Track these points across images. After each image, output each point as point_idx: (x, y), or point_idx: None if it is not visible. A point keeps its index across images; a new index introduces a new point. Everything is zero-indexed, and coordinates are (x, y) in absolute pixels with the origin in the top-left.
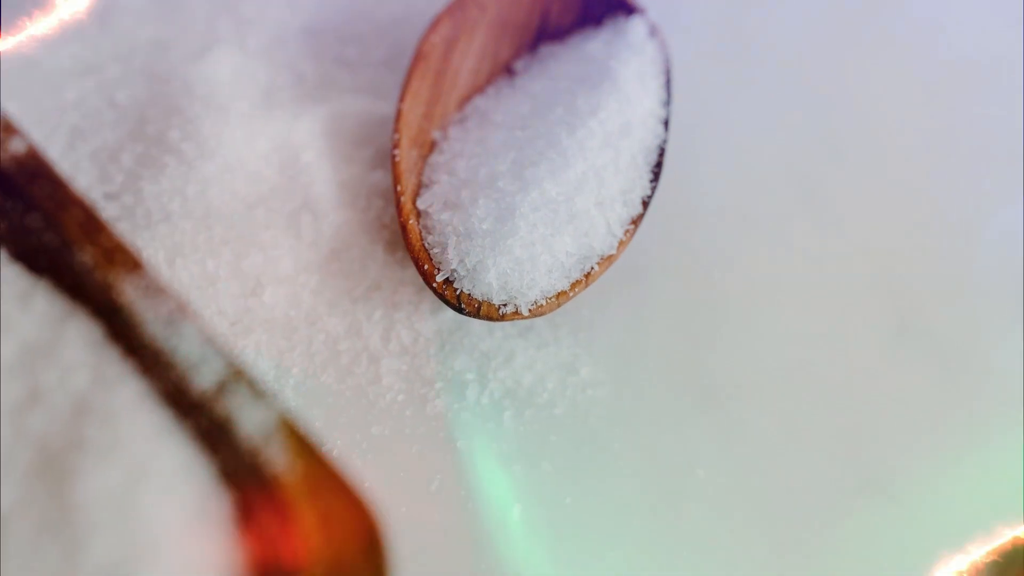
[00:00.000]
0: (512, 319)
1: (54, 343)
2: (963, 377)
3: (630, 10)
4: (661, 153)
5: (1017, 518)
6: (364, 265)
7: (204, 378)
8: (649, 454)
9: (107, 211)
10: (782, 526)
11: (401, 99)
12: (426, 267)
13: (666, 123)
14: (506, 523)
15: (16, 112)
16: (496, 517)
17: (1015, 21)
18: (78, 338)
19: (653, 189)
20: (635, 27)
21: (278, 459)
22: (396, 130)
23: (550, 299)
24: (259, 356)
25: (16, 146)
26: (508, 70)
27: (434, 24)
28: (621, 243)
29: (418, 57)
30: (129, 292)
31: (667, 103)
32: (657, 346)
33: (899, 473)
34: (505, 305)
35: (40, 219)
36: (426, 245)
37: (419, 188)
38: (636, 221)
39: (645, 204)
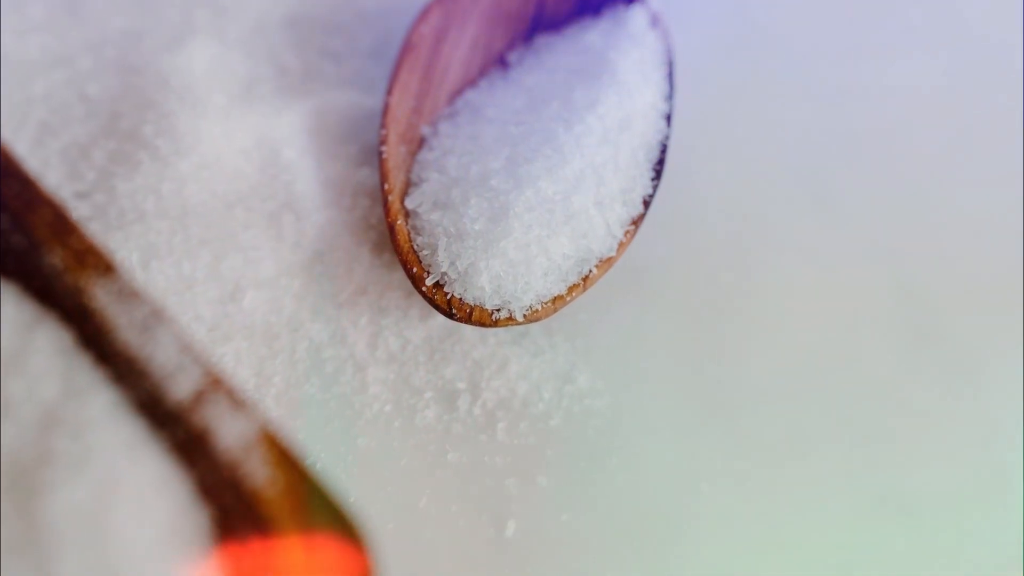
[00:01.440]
0: (506, 325)
1: (22, 351)
2: (985, 387)
3: None
4: (663, 150)
5: None
6: (349, 268)
7: (180, 387)
8: (650, 468)
9: (78, 211)
10: (792, 545)
11: (389, 92)
12: (415, 270)
13: (668, 118)
14: (499, 541)
15: None
16: (489, 535)
17: None
18: (47, 345)
19: (655, 188)
20: (635, 17)
21: (258, 473)
22: (383, 125)
23: (546, 304)
24: (239, 364)
25: None
26: (502, 62)
27: (424, 13)
28: (621, 244)
29: (407, 48)
30: (101, 296)
31: (669, 97)
32: (659, 353)
33: (918, 489)
34: (498, 310)
35: (7, 220)
36: (415, 247)
37: (407, 186)
38: (637, 221)
39: (646, 203)
